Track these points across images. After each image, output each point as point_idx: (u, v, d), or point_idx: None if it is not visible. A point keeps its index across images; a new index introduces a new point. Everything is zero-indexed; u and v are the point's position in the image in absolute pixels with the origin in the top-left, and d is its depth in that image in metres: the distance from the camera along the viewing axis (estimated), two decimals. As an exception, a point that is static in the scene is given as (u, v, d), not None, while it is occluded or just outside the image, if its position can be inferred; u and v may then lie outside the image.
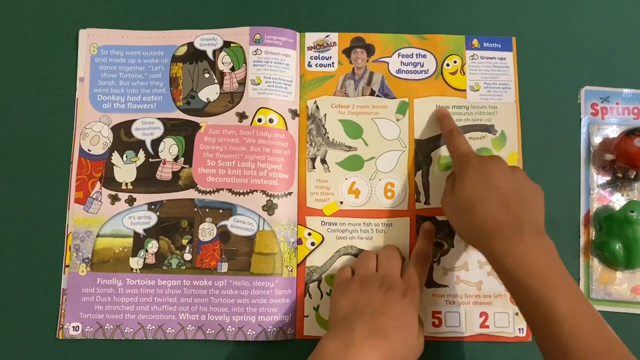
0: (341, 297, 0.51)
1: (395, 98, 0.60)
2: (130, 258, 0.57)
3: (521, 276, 0.44)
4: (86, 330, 0.55)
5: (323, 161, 0.59)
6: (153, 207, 0.57)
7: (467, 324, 0.56)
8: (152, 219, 0.57)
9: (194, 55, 0.60)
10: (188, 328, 0.56)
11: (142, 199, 0.57)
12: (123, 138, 0.59)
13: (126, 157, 0.58)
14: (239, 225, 0.57)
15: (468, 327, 0.56)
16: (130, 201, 0.57)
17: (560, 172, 0.59)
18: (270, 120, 0.58)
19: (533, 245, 0.45)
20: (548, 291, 0.43)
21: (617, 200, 0.58)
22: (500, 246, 0.46)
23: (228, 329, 0.55)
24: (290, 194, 0.58)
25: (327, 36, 0.61)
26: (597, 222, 0.57)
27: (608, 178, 0.58)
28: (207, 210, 0.57)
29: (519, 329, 0.56)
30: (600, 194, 0.58)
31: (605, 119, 0.60)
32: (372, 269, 0.54)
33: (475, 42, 0.61)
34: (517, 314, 0.56)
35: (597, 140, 0.59)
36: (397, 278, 0.52)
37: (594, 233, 0.58)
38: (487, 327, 0.56)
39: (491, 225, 0.47)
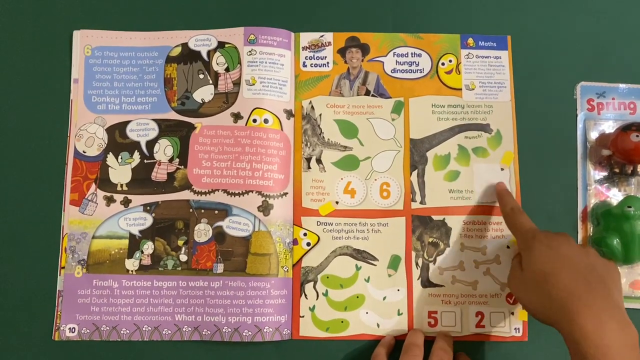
0: None
1: (390, 98, 0.60)
2: (126, 259, 0.56)
3: None
4: (82, 331, 0.55)
5: (318, 161, 0.59)
6: (148, 208, 0.57)
7: (463, 323, 0.56)
8: (148, 220, 0.57)
9: (188, 56, 0.60)
10: (184, 329, 0.55)
11: (138, 200, 0.57)
12: (118, 139, 0.59)
13: (121, 158, 0.58)
14: (235, 226, 0.57)
15: (464, 327, 0.56)
16: (126, 202, 0.57)
17: (557, 169, 0.58)
18: (265, 121, 0.58)
19: (620, 337, 0.41)
20: None
21: (615, 196, 0.58)
22: (583, 322, 0.41)
23: (224, 330, 0.55)
24: (285, 194, 0.58)
25: (321, 36, 0.61)
26: (595, 217, 0.57)
27: (605, 173, 0.58)
28: (203, 211, 0.57)
29: (515, 328, 0.56)
30: (597, 189, 0.58)
31: (601, 115, 0.59)
32: None
33: (470, 41, 0.61)
34: (512, 313, 0.56)
35: (593, 135, 0.59)
36: None
37: (591, 228, 0.57)
38: (483, 326, 0.56)
39: (570, 296, 0.43)
